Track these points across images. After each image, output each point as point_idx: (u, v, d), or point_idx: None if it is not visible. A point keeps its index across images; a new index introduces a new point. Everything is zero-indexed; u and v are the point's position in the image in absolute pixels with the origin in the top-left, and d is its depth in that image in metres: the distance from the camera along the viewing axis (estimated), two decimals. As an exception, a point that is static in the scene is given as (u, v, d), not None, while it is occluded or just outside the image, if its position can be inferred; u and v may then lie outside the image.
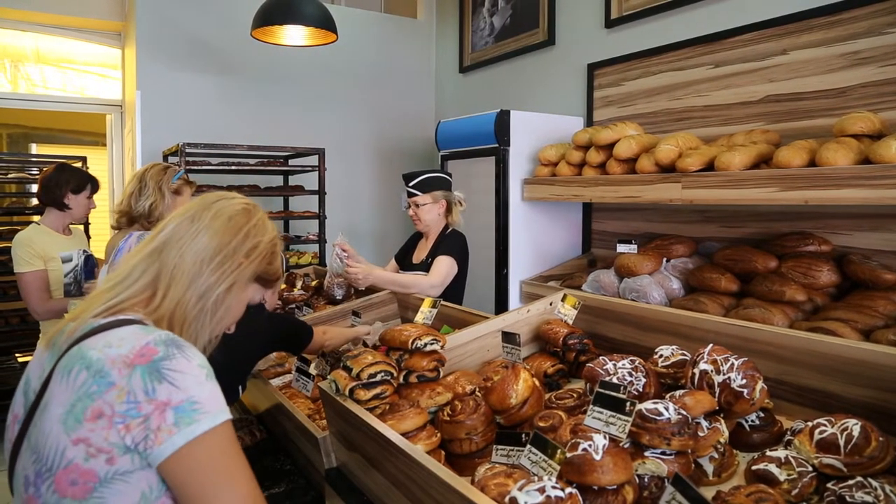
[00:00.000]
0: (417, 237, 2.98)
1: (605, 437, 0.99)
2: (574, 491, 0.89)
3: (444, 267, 2.64)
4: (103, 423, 0.84)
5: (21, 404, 0.97)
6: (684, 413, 1.07)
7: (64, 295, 2.84)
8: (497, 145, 3.32)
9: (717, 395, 1.19)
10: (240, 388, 1.74)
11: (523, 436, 1.13)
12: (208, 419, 0.87)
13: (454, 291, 2.72)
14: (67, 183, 2.88)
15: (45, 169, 3.03)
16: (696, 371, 1.24)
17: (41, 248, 2.79)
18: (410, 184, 2.75)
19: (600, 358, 1.37)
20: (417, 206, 2.76)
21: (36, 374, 0.98)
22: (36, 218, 3.28)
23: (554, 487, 0.87)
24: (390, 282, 2.60)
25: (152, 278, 1.03)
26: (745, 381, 1.17)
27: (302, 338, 1.90)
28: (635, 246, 2.77)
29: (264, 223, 1.15)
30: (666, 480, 1.00)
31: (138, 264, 1.04)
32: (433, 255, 2.71)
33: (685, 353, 1.38)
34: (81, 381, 0.86)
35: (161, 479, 0.87)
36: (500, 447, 1.17)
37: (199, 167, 3.74)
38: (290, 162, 4.31)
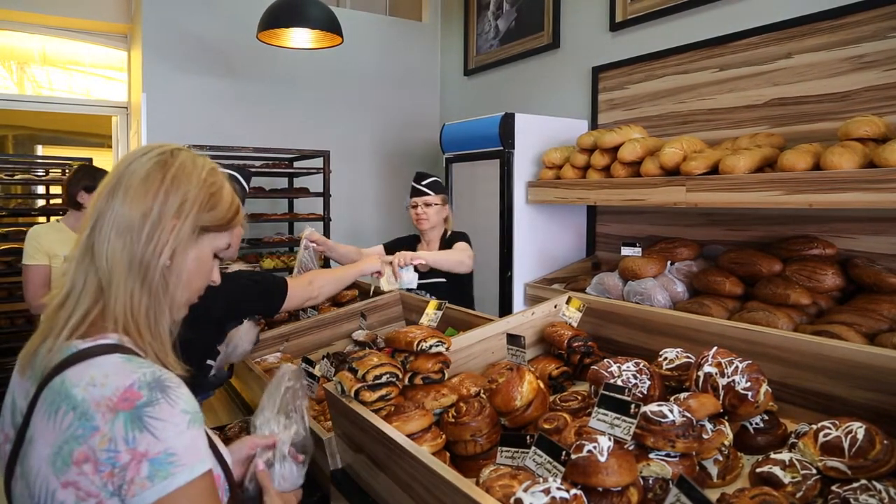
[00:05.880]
0: (414, 241, 2.97)
1: (609, 439, 0.99)
2: (579, 492, 0.89)
3: (466, 246, 2.72)
4: (89, 467, 0.81)
5: (10, 424, 0.94)
6: (689, 415, 1.07)
7: None
8: (501, 148, 3.33)
9: (721, 397, 1.19)
10: (213, 365, 1.61)
11: (528, 437, 1.13)
12: (184, 472, 0.82)
13: (464, 293, 2.73)
14: (79, 182, 2.98)
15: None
16: (701, 374, 1.24)
17: (47, 244, 2.90)
18: (423, 182, 2.78)
19: (605, 360, 1.37)
20: (428, 205, 2.79)
21: (21, 393, 0.93)
22: (42, 219, 3.31)
23: (559, 489, 0.87)
24: (443, 258, 2.60)
25: (96, 286, 0.92)
26: (749, 383, 1.17)
27: (273, 294, 1.71)
28: (639, 249, 2.77)
29: (184, 169, 0.98)
30: (670, 482, 1.01)
31: (77, 270, 0.94)
32: None
33: (689, 355, 1.39)
34: (68, 423, 0.83)
35: None
36: (504, 449, 1.17)
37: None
38: (295, 164, 4.34)
